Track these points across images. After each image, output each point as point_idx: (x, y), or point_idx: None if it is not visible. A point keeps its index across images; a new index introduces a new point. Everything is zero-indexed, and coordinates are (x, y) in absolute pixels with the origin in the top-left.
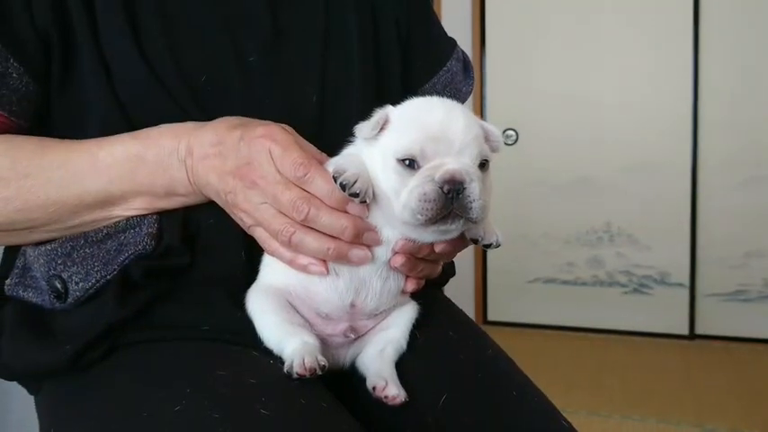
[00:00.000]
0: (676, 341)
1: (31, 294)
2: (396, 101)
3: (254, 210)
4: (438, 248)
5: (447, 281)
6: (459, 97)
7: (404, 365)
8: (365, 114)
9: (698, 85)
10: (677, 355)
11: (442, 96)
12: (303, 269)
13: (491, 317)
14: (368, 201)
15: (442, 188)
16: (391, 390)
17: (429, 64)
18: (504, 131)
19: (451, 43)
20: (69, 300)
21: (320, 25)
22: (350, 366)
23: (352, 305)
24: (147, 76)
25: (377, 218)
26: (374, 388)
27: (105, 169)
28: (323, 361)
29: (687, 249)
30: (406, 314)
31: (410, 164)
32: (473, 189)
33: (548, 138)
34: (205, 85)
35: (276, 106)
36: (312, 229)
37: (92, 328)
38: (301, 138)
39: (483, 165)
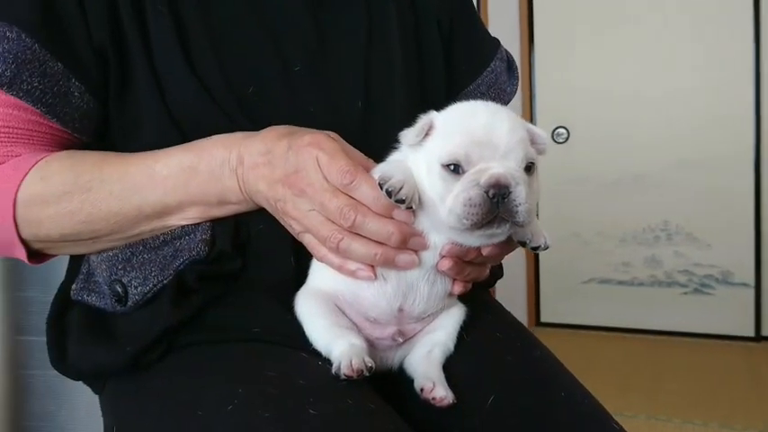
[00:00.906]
0: (741, 343)
1: (94, 299)
2: (439, 103)
3: (302, 217)
4: (485, 252)
5: (495, 282)
6: (504, 98)
7: (451, 367)
8: (410, 118)
9: (759, 73)
10: (742, 358)
11: (487, 98)
12: (351, 274)
13: (544, 318)
14: (414, 207)
15: (487, 193)
16: (439, 391)
17: (472, 65)
18: (555, 129)
19: (495, 43)
20: (129, 303)
21: (363, 29)
22: (398, 368)
23: (400, 309)
24: (198, 91)
25: (423, 223)
26: (422, 389)
27: (161, 181)
28: (370, 362)
29: (751, 247)
30: (454, 316)
31: (455, 169)
32: (519, 193)
33: (600, 134)
34: (252, 96)
35: (321, 113)
36: (359, 235)
37: (150, 331)
38: (348, 145)
39: (529, 168)
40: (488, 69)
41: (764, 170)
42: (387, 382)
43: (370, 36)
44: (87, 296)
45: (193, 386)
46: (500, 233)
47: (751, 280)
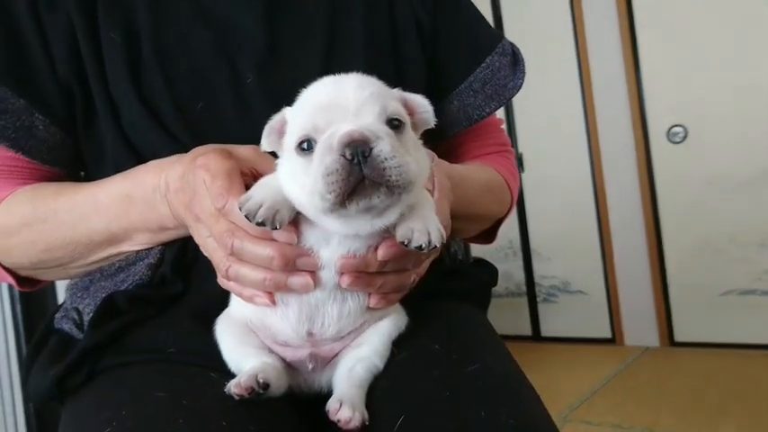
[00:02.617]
0: None
1: (68, 326)
2: None
3: (203, 244)
4: (380, 255)
5: (481, 292)
6: (504, 94)
7: (376, 386)
8: None
9: None
10: None
11: (480, 95)
12: (250, 301)
13: (679, 338)
14: (278, 227)
15: (344, 155)
16: (343, 413)
17: (462, 63)
18: (670, 129)
19: (494, 38)
20: (86, 329)
21: (320, 39)
22: (329, 390)
23: (309, 333)
24: (146, 114)
25: (310, 239)
26: (328, 411)
27: (105, 210)
28: (263, 379)
29: None
30: (383, 329)
31: (308, 146)
32: (382, 147)
33: (724, 129)
34: (201, 112)
35: None
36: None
37: (70, 354)
38: (267, 159)
39: (396, 124)
40: (483, 65)
41: None
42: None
43: (329, 45)
44: (65, 324)
45: (92, 410)
46: (378, 203)
47: None
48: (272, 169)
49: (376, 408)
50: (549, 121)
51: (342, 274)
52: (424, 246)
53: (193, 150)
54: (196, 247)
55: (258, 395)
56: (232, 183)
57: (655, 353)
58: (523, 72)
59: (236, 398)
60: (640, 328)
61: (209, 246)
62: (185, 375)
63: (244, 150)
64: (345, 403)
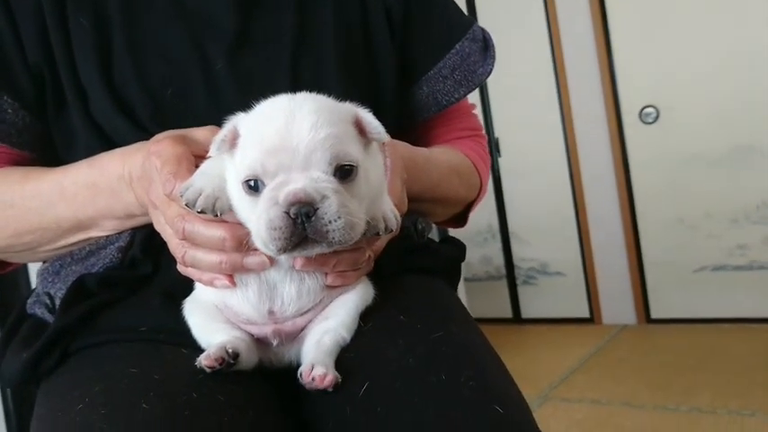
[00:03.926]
0: None
1: (41, 311)
2: (390, 97)
3: (161, 230)
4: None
5: (450, 268)
6: (473, 80)
7: (343, 357)
8: None
9: None
10: None
11: (450, 81)
12: (211, 284)
13: (655, 314)
14: (219, 214)
15: (288, 212)
16: (317, 370)
17: (432, 48)
18: (642, 109)
19: (465, 23)
20: (57, 312)
21: (290, 26)
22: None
23: (270, 312)
24: (114, 102)
25: None
26: (301, 374)
27: (71, 198)
28: (232, 350)
29: None
30: (349, 302)
31: (255, 185)
32: (328, 208)
33: (696, 108)
34: (171, 99)
35: (244, 112)
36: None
37: (42, 337)
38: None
39: (347, 171)
40: (453, 51)
41: None
42: (289, 379)
43: (299, 32)
44: (38, 309)
45: (65, 389)
46: (318, 252)
47: None
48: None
49: (344, 377)
50: (524, 106)
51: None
52: (381, 232)
53: (152, 138)
54: None
55: (229, 365)
56: (180, 167)
57: (632, 330)
58: (493, 58)
59: (207, 370)
60: (617, 307)
61: (167, 232)
62: (157, 352)
63: (200, 133)
64: (317, 364)
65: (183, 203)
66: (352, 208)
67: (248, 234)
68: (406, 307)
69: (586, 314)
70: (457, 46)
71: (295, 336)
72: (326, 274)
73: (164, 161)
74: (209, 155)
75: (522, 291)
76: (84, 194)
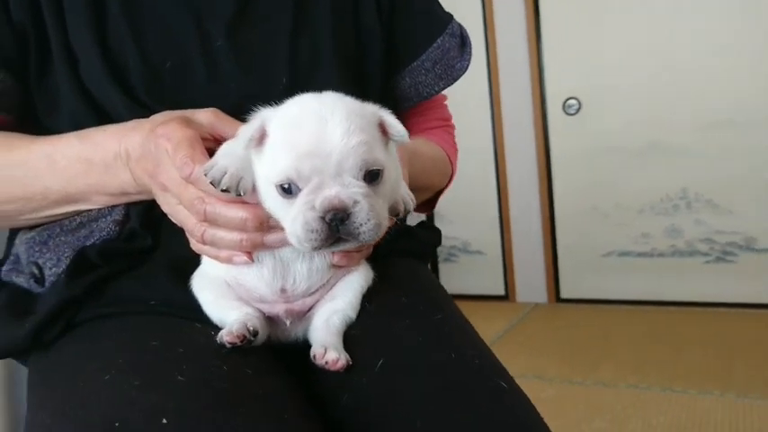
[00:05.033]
0: (766, 311)
1: (21, 280)
2: (376, 83)
3: (172, 212)
4: None
5: (428, 252)
6: (452, 74)
7: (349, 334)
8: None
9: None
10: (766, 326)
11: (431, 74)
12: (228, 261)
13: (564, 294)
14: (242, 194)
15: (323, 217)
16: (330, 354)
17: (416, 41)
18: (566, 101)
19: (445, 19)
20: (47, 284)
21: (289, 4)
22: (304, 340)
23: (282, 290)
24: (107, 68)
25: None
26: (314, 356)
27: (61, 171)
28: (252, 327)
29: None
30: (354, 283)
31: (289, 188)
32: (359, 213)
33: (613, 103)
34: (170, 72)
35: (242, 92)
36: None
37: (46, 307)
38: (225, 121)
39: (374, 175)
40: (434, 45)
41: None
42: (296, 354)
43: (298, 16)
44: (15, 277)
45: (82, 360)
46: (349, 247)
47: None
48: (232, 131)
49: (352, 353)
50: (455, 92)
51: None
52: (400, 213)
53: (151, 118)
54: None
55: (249, 342)
56: (195, 151)
57: (543, 308)
58: (470, 54)
59: (228, 346)
60: (531, 286)
61: (180, 213)
62: (172, 326)
63: (203, 115)
64: (329, 347)
65: (209, 181)
66: (379, 208)
67: (269, 215)
68: (404, 289)
69: (502, 292)
70: (438, 40)
71: (303, 314)
72: (333, 253)
73: (175, 144)
74: (232, 144)
75: (444, 267)
76: (75, 168)
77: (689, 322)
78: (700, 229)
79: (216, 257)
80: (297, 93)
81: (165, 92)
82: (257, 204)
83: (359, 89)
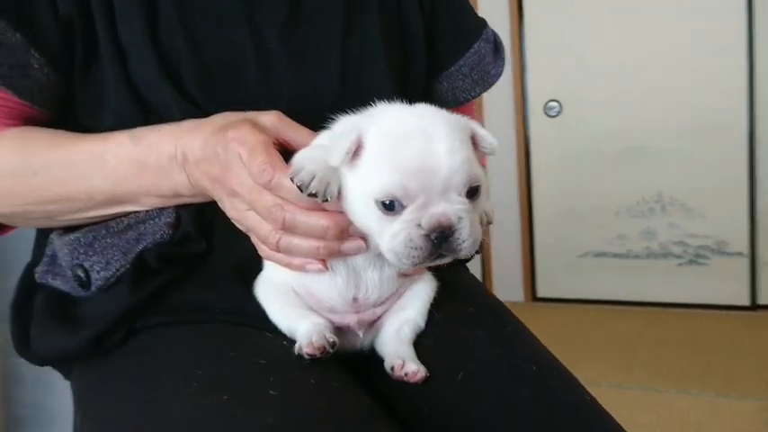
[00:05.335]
0: (737, 312)
1: (59, 282)
2: (420, 86)
3: (241, 218)
4: None
5: (471, 257)
6: (487, 80)
7: (420, 343)
8: (390, 96)
9: (753, 42)
10: (738, 327)
11: (468, 80)
12: (301, 269)
13: (540, 293)
14: (330, 199)
15: (428, 235)
16: (410, 366)
17: (454, 46)
18: (547, 103)
19: (480, 24)
20: (93, 288)
21: (341, 9)
22: (368, 349)
23: (354, 299)
24: (158, 64)
25: None
26: (392, 368)
27: (111, 172)
28: (332, 338)
29: (746, 216)
30: (422, 293)
31: (391, 204)
32: (462, 231)
33: (593, 107)
34: (222, 72)
35: (296, 93)
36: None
37: (108, 314)
38: (289, 125)
39: (475, 189)
40: (471, 50)
41: (758, 140)
42: (358, 362)
43: (349, 17)
44: (52, 279)
45: (154, 370)
46: (445, 262)
47: (746, 249)
48: (296, 136)
49: (432, 365)
50: None
51: None
52: (484, 225)
53: (210, 119)
54: (215, 205)
55: (327, 354)
56: (272, 157)
57: (520, 307)
58: (503, 60)
59: (307, 357)
60: (509, 285)
61: (251, 219)
62: (242, 335)
63: (267, 119)
64: (407, 359)
65: (297, 185)
66: (477, 224)
67: (350, 223)
68: (466, 297)
69: None
70: (475, 46)
71: (371, 324)
72: None
73: (250, 149)
74: (316, 151)
75: None
76: (126, 169)
77: (662, 322)
78: (674, 232)
79: (287, 265)
80: (347, 98)
81: (218, 90)
82: (337, 212)
83: (405, 92)
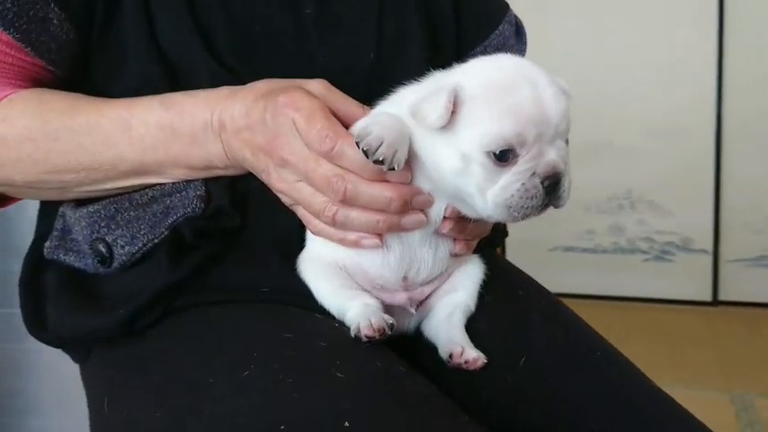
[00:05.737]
0: (699, 308)
1: (72, 258)
2: (449, 64)
3: (290, 189)
4: None
5: (501, 240)
6: None
7: (474, 327)
8: (422, 74)
9: (723, 45)
10: (701, 322)
11: None
12: (354, 245)
13: None
14: (396, 167)
15: (542, 183)
16: (469, 354)
17: (480, 26)
18: None
19: (504, 6)
20: (115, 264)
21: None
22: (414, 332)
23: (405, 277)
24: (191, 26)
25: (421, 180)
26: (451, 355)
27: (138, 139)
28: (390, 320)
29: (710, 214)
30: (472, 275)
31: (502, 155)
32: (566, 180)
33: None
34: (257, 36)
35: (330, 62)
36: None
37: (145, 292)
38: (337, 94)
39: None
40: (496, 32)
41: (725, 140)
42: (404, 346)
43: None
44: (64, 255)
45: (202, 351)
46: (540, 213)
47: (709, 246)
48: (343, 106)
49: (489, 350)
50: None
51: (444, 219)
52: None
53: (251, 85)
54: (247, 178)
55: (386, 336)
56: (333, 123)
57: None
58: (525, 44)
59: (365, 339)
60: None
61: (303, 191)
62: (294, 316)
63: (314, 86)
64: (466, 346)
65: (363, 148)
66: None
67: (414, 194)
68: (513, 282)
69: None
70: (500, 27)
71: (422, 304)
72: (455, 241)
73: (308, 115)
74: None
75: None
76: (155, 137)
77: (628, 316)
78: (641, 228)
79: (340, 241)
80: (382, 69)
81: (254, 57)
82: (401, 184)
83: (434, 66)
